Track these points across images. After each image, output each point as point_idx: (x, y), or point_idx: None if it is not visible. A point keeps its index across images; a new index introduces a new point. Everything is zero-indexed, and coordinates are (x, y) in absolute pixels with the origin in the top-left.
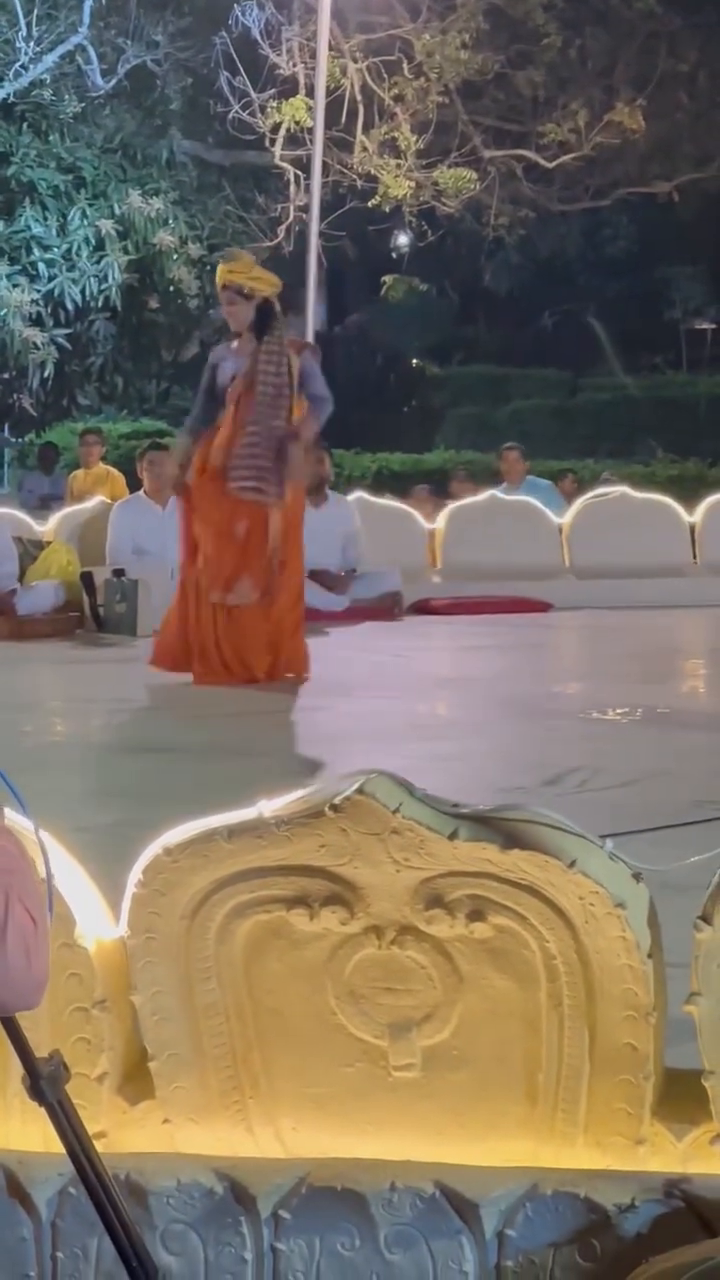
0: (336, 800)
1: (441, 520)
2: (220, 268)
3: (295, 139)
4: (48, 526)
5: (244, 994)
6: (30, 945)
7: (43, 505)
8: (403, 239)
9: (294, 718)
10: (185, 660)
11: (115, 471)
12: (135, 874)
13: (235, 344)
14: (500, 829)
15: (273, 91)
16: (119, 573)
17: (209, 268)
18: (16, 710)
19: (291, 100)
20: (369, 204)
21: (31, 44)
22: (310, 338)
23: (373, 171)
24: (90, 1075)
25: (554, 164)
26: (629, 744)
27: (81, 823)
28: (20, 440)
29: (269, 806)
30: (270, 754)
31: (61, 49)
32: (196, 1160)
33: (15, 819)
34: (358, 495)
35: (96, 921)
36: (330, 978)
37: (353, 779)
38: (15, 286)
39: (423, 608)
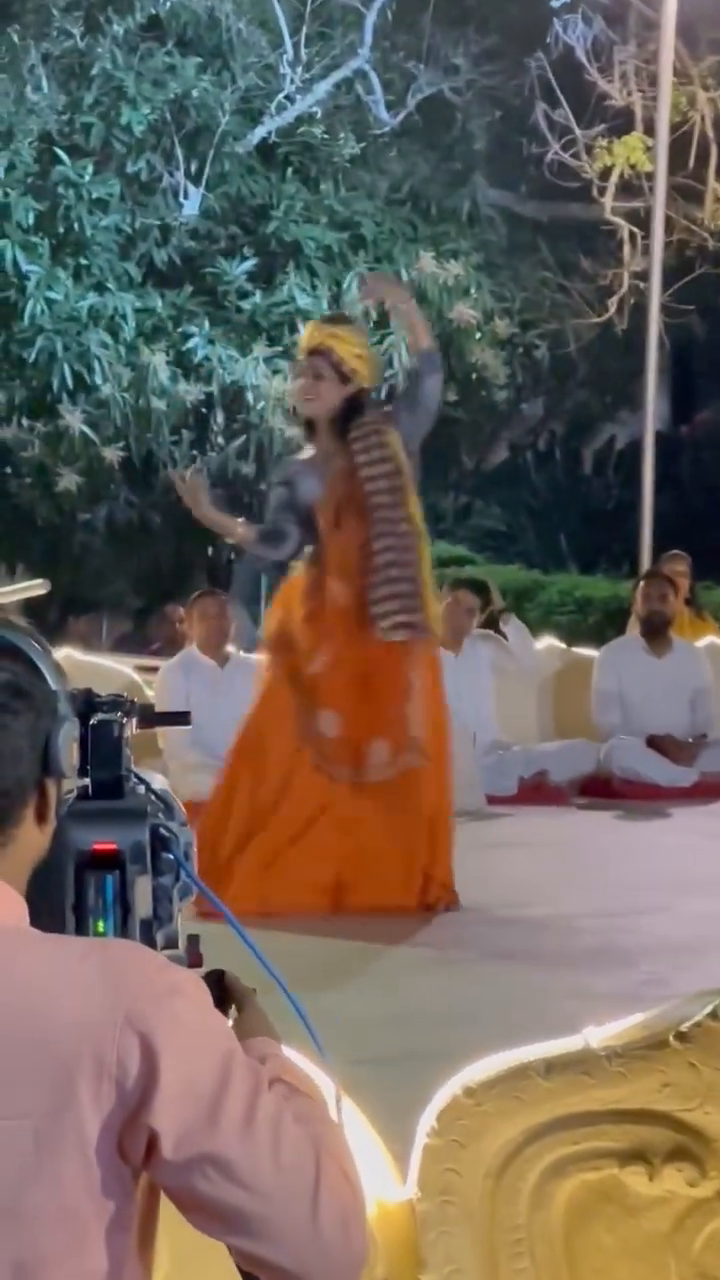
0: (684, 1027)
1: None
2: (320, 327)
3: (630, 187)
4: None
5: (564, 1274)
6: (348, 1214)
7: None
8: None
9: (622, 922)
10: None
11: None
12: (428, 1120)
13: (308, 452)
14: None
15: (602, 128)
16: None
17: (521, 350)
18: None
19: (626, 139)
20: None
21: (300, 70)
22: (649, 439)
23: None
24: None
25: None
26: None
27: (359, 1052)
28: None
29: (597, 1034)
30: (591, 967)
31: (337, 76)
32: None
33: (293, 1056)
34: (709, 641)
35: (379, 1179)
36: (674, 1255)
37: (704, 1000)
38: (276, 373)
39: None
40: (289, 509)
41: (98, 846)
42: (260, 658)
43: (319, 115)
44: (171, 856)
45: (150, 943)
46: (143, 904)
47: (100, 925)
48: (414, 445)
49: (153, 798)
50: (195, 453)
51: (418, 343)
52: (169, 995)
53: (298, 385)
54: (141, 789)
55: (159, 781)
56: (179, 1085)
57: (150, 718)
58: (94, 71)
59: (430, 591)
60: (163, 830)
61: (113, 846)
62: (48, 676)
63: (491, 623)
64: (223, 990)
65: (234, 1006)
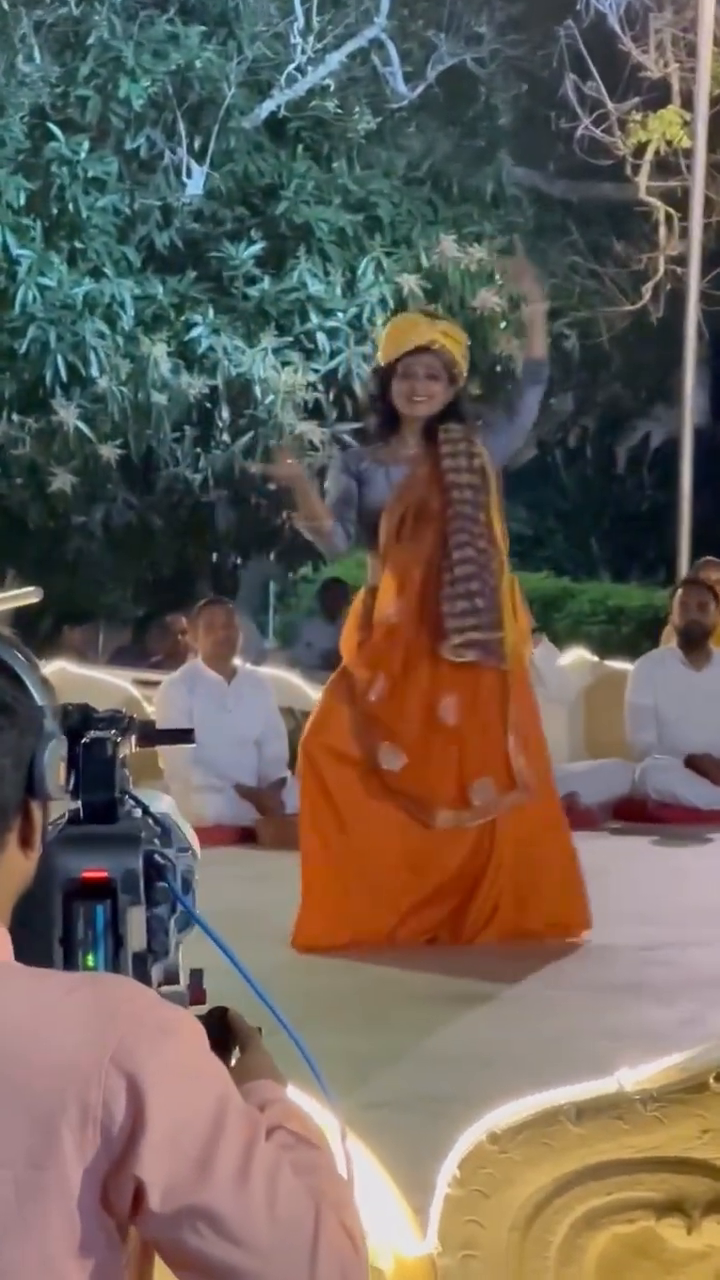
0: None
1: None
2: (430, 322)
3: (667, 165)
4: None
5: None
6: (348, 1271)
7: (326, 663)
8: None
9: (658, 955)
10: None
11: None
12: (449, 1168)
13: (386, 447)
14: None
15: (636, 101)
16: None
17: (549, 340)
18: (280, 943)
19: (662, 113)
20: None
21: (311, 39)
22: (687, 436)
23: None
24: None
25: None
26: None
27: (375, 1096)
28: (292, 575)
29: (631, 1076)
30: (625, 1004)
31: (351, 46)
32: None
33: (300, 1099)
34: None
35: (396, 1232)
36: None
37: None
38: (286, 364)
39: None
40: (351, 504)
41: (87, 874)
42: (271, 672)
43: (332, 88)
44: (166, 885)
45: (144, 978)
46: (136, 936)
47: (90, 959)
48: (502, 460)
49: (150, 822)
50: (199, 450)
51: (531, 350)
52: (160, 1034)
53: (408, 385)
54: (138, 812)
55: (165, 804)
56: (168, 1132)
57: (150, 735)
58: (90, 41)
59: (511, 620)
60: (157, 857)
61: (103, 874)
62: (33, 690)
63: None
64: (225, 1029)
65: (237, 1047)
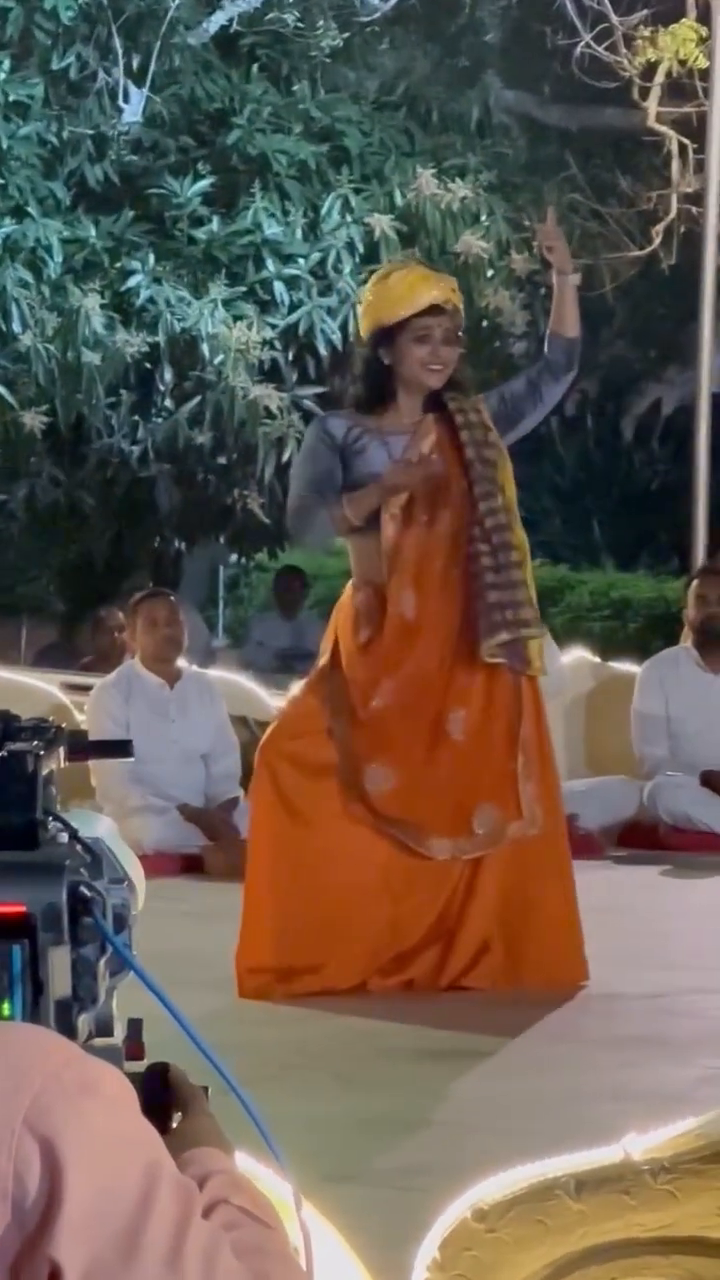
0: None
1: None
2: (440, 277)
3: (681, 88)
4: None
5: None
6: None
7: (283, 665)
8: None
9: (670, 1004)
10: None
11: None
12: (428, 1250)
13: (381, 417)
14: None
15: (645, 14)
16: None
17: (544, 291)
18: (230, 989)
19: (675, 28)
20: None
21: None
22: (704, 402)
23: None
24: None
25: None
26: None
27: (345, 1167)
28: (245, 562)
29: (640, 1144)
30: (633, 1060)
31: None
32: None
33: (252, 1169)
34: None
35: None
36: None
37: None
38: (239, 319)
39: None
40: (335, 487)
41: (2, 909)
42: (220, 675)
43: None
44: (93, 921)
45: (68, 1029)
46: (59, 981)
47: (4, 1007)
48: (507, 443)
49: (77, 848)
50: (137, 418)
51: (563, 328)
52: (80, 1094)
53: (428, 350)
54: (64, 837)
55: (103, 828)
56: (88, 1207)
57: (81, 748)
58: None
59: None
60: (84, 889)
61: (21, 909)
62: None
63: None
64: (166, 1089)
65: (179, 1110)
